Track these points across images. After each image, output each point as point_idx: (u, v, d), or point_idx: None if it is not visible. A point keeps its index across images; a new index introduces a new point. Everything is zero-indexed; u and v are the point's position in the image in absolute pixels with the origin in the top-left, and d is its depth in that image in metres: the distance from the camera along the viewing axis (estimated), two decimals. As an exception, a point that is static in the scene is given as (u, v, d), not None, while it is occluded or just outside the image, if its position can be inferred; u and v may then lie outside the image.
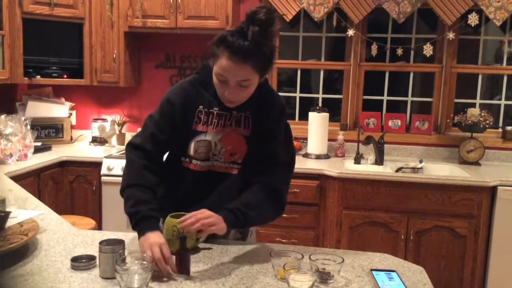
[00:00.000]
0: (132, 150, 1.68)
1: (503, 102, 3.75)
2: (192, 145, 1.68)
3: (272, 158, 1.70)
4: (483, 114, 3.45)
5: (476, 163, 3.50)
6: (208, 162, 1.69)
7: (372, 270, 1.49)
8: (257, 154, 1.69)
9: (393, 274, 1.47)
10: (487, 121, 3.43)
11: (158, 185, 1.68)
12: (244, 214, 1.59)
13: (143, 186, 1.59)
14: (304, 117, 3.88)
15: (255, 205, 1.63)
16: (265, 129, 1.69)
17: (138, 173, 1.62)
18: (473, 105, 3.73)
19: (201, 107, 1.69)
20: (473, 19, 3.49)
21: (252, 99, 1.66)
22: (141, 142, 1.68)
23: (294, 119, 4.00)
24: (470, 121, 3.44)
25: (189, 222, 1.48)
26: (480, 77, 3.75)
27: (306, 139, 3.68)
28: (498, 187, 3.01)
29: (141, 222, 1.51)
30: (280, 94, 3.87)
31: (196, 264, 1.51)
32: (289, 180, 1.79)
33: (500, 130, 3.71)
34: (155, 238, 1.45)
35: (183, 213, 1.58)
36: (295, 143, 3.56)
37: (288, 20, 3.70)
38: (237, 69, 1.52)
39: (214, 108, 1.68)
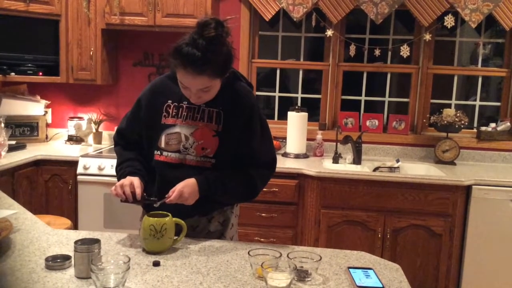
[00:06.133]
0: (115, 144, 1.94)
1: (478, 103, 3.82)
2: (163, 138, 1.75)
3: (251, 157, 1.77)
4: (458, 114, 3.51)
5: (452, 162, 3.56)
6: (179, 155, 1.73)
7: (349, 267, 1.51)
8: (233, 151, 1.74)
9: (370, 271, 1.48)
10: (462, 122, 3.49)
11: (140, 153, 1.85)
12: (216, 188, 1.71)
13: (129, 159, 1.81)
14: (283, 116, 3.89)
15: (229, 184, 1.74)
16: (237, 126, 1.74)
17: (120, 154, 1.87)
18: (448, 106, 3.80)
19: (169, 101, 1.77)
20: (449, 21, 3.55)
21: (224, 96, 1.73)
22: (114, 137, 1.94)
23: (273, 118, 4.00)
24: (445, 122, 3.49)
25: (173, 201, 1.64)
26: (455, 78, 3.81)
27: (285, 138, 3.69)
28: (473, 186, 3.07)
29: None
30: (259, 93, 3.98)
31: (174, 263, 1.50)
32: (266, 178, 1.83)
33: (475, 130, 3.78)
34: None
35: (160, 212, 1.60)
36: (274, 142, 3.58)
37: (267, 20, 3.70)
38: (195, 80, 1.60)
39: (184, 102, 1.75)
